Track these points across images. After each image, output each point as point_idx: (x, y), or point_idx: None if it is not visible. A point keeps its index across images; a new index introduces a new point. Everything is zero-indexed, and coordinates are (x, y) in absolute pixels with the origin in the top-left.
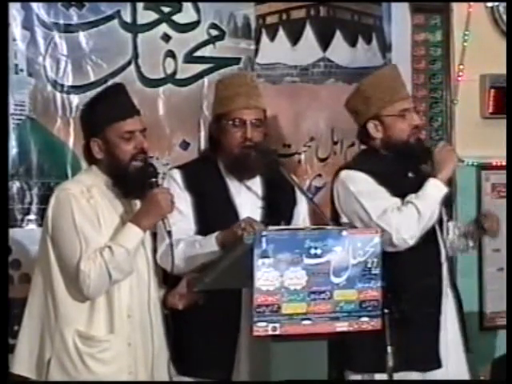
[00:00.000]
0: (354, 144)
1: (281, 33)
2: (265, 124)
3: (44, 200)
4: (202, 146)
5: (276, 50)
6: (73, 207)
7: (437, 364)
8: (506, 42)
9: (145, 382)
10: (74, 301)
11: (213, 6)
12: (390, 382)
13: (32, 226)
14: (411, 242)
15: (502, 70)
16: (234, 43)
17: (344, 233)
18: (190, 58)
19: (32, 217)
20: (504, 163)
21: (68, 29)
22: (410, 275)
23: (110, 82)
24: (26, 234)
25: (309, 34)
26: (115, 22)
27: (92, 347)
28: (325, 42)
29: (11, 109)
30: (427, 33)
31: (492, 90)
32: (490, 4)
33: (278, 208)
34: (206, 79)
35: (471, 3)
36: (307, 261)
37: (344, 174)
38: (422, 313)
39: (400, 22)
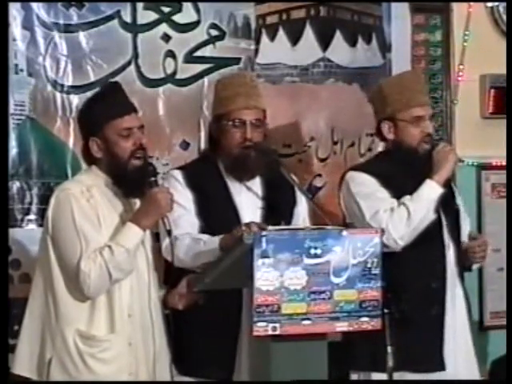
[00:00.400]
0: (353, 144)
1: (281, 33)
2: (265, 124)
3: (44, 200)
4: (202, 146)
5: (276, 50)
6: (73, 207)
7: (440, 366)
8: (506, 42)
9: (145, 382)
10: (75, 300)
11: (213, 6)
12: (390, 382)
13: (32, 226)
14: (401, 243)
15: (502, 70)
16: (234, 43)
17: (344, 233)
18: (190, 58)
19: (32, 217)
20: (504, 163)
21: (68, 29)
22: (410, 275)
23: (107, 82)
24: (26, 234)
25: (309, 34)
26: (115, 21)
27: (93, 347)
28: (325, 42)
29: (11, 109)
30: (427, 33)
31: (492, 90)
32: (489, 4)
33: (278, 208)
34: (206, 79)
35: (471, 3)
36: (307, 261)
37: (349, 174)
38: (423, 313)
39: (400, 22)
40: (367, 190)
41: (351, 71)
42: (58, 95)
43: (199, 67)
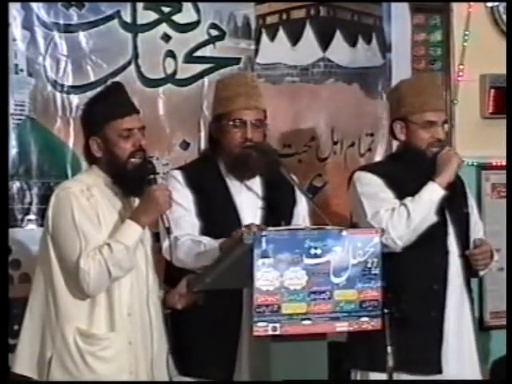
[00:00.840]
0: (353, 144)
1: (281, 33)
2: (265, 124)
3: (44, 200)
4: (202, 146)
5: (276, 50)
6: (73, 206)
7: (437, 369)
8: (506, 42)
9: (145, 382)
10: (75, 299)
11: (213, 6)
12: (390, 381)
13: (32, 226)
14: (400, 243)
15: (502, 70)
16: (234, 43)
17: (344, 233)
18: (190, 58)
19: (32, 217)
20: (504, 163)
21: (68, 29)
22: (410, 276)
23: (109, 82)
24: (26, 234)
25: (309, 34)
26: (115, 21)
27: (93, 345)
28: (325, 42)
29: (11, 109)
30: (427, 33)
31: (492, 90)
32: (490, 4)
33: (278, 208)
34: (206, 79)
35: (471, 3)
36: (307, 261)
37: (356, 174)
38: (421, 315)
39: (400, 22)
40: (371, 189)
41: (351, 71)
42: (58, 95)
43: (199, 67)
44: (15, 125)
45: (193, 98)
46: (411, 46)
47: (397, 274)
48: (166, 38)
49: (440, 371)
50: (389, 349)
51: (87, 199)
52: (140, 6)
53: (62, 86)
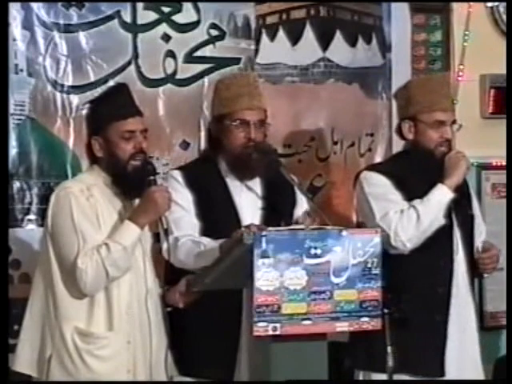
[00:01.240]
0: (353, 144)
1: (281, 33)
2: (266, 124)
3: (44, 200)
4: (202, 146)
5: (276, 50)
6: (72, 205)
7: (439, 372)
8: (506, 42)
9: (145, 382)
10: (73, 298)
11: (213, 6)
12: (390, 381)
13: (32, 226)
14: (409, 245)
15: (502, 69)
16: (234, 43)
17: (344, 233)
18: (190, 58)
19: (32, 217)
20: (504, 163)
21: (68, 29)
22: (414, 278)
23: (110, 82)
24: (26, 234)
25: (309, 34)
26: (115, 21)
27: (90, 344)
28: (325, 41)
29: (11, 109)
30: (427, 33)
31: (492, 90)
32: (490, 4)
33: (278, 208)
34: (206, 79)
35: (471, 3)
36: (307, 261)
37: (363, 174)
38: (425, 317)
39: (400, 22)
40: (380, 190)
41: (351, 71)
42: (58, 95)
43: (199, 67)
44: (15, 125)
45: (193, 97)
46: (411, 46)
47: (401, 275)
48: (166, 37)
49: (443, 374)
50: (389, 349)
51: (87, 199)
52: (140, 5)
53: (62, 85)
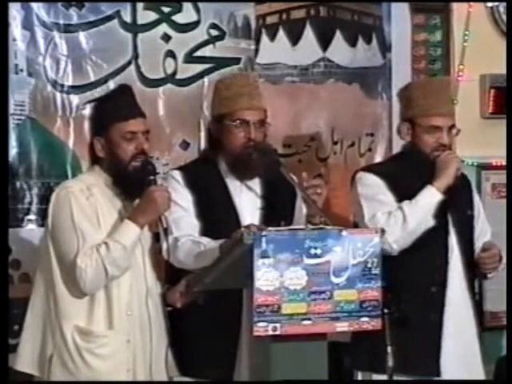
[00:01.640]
0: (353, 144)
1: (281, 33)
2: (266, 124)
3: (44, 200)
4: (202, 146)
5: (276, 50)
6: (72, 204)
7: (435, 372)
8: (506, 42)
9: (145, 382)
10: (73, 297)
11: (213, 6)
12: (389, 381)
13: (32, 226)
14: (395, 247)
15: (502, 69)
16: (234, 43)
17: (344, 233)
18: (190, 58)
19: (32, 217)
20: (504, 163)
21: (68, 29)
22: (408, 278)
23: (110, 82)
24: (26, 234)
25: (309, 34)
26: (115, 21)
27: (90, 342)
28: (325, 41)
29: (11, 109)
30: (427, 33)
31: (492, 90)
32: (490, 4)
33: (277, 208)
34: (206, 79)
35: (471, 3)
36: (307, 261)
37: (359, 175)
38: (419, 317)
39: (400, 22)
40: (371, 191)
41: (351, 71)
42: (58, 95)
43: (199, 67)
44: (15, 125)
45: (193, 98)
46: (411, 46)
47: (396, 274)
48: (166, 37)
49: (438, 374)
50: (389, 349)
51: (87, 198)
52: (140, 5)
53: (62, 85)
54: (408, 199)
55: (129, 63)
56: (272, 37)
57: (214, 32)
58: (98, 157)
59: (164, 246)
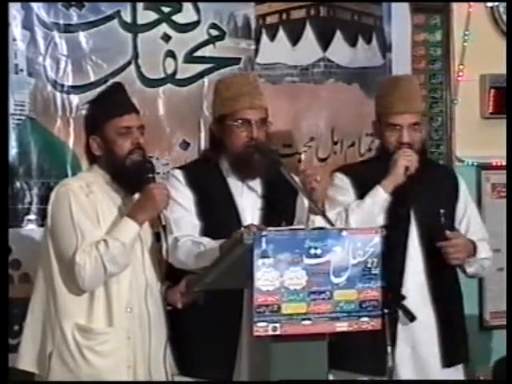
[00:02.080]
0: (354, 144)
1: (281, 33)
2: (268, 123)
3: (44, 200)
4: (202, 146)
5: (276, 50)
6: (71, 201)
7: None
8: (506, 42)
9: (145, 382)
10: (73, 294)
11: (213, 6)
12: (389, 381)
13: (32, 226)
14: None
15: (502, 70)
16: (234, 43)
17: (344, 233)
18: (190, 58)
19: (32, 217)
20: (504, 163)
21: (68, 29)
22: None
23: (110, 82)
24: (26, 234)
25: (309, 34)
26: (115, 21)
27: (91, 340)
28: (325, 42)
29: (11, 109)
30: (427, 33)
31: (492, 90)
32: (490, 4)
33: (278, 208)
34: (206, 79)
35: (471, 3)
36: (307, 261)
37: (333, 175)
38: None
39: (400, 22)
40: (335, 191)
41: (351, 71)
42: (58, 95)
43: (199, 67)
44: (15, 125)
45: (193, 98)
46: (411, 46)
47: None
48: (166, 37)
49: (383, 373)
50: (389, 349)
51: (86, 195)
52: (140, 5)
53: (62, 85)
54: None
55: (129, 63)
56: (272, 37)
57: (214, 32)
58: (95, 156)
59: (164, 246)
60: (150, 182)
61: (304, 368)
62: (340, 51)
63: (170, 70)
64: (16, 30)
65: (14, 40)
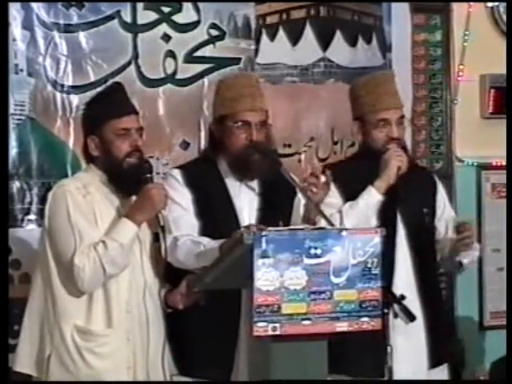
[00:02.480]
0: (354, 144)
1: (281, 33)
2: (268, 125)
3: (44, 200)
4: (202, 146)
5: (276, 50)
6: (68, 203)
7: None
8: (506, 42)
9: (145, 382)
10: (72, 296)
11: (213, 6)
12: (389, 381)
13: (32, 226)
14: None
15: (502, 70)
16: (234, 43)
17: (344, 233)
18: (190, 58)
19: (32, 217)
20: (504, 163)
21: (68, 29)
22: None
23: (109, 82)
24: (26, 234)
25: (309, 34)
26: (115, 21)
27: (90, 341)
28: (325, 42)
29: (11, 109)
30: (427, 33)
31: (492, 90)
32: (490, 4)
33: (277, 208)
34: (205, 79)
35: (471, 3)
36: (307, 261)
37: None
38: None
39: (400, 22)
40: None
41: (351, 71)
42: (58, 95)
43: (199, 67)
44: (15, 125)
45: (193, 98)
46: (411, 46)
47: None
48: (166, 38)
49: (382, 374)
50: (389, 349)
51: (83, 196)
52: (140, 5)
53: (62, 85)
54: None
55: (129, 63)
56: (272, 37)
57: (214, 32)
58: (92, 156)
59: (163, 246)
60: (148, 182)
61: (304, 368)
62: (340, 51)
63: (170, 70)
64: (16, 30)
65: (14, 40)
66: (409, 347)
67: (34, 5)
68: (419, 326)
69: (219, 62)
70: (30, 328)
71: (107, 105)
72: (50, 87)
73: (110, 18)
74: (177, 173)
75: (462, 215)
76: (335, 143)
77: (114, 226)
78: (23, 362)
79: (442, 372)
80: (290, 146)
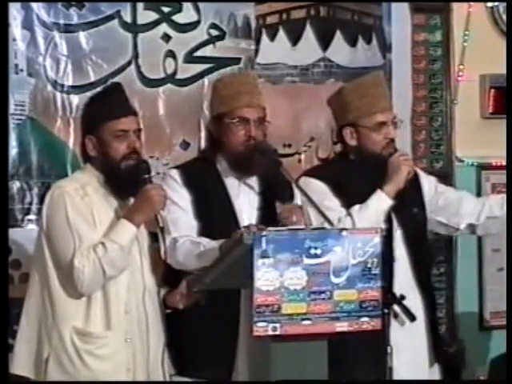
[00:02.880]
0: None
1: (281, 33)
2: (266, 122)
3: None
4: (203, 146)
5: (276, 50)
6: (66, 204)
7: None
8: (506, 42)
9: (145, 382)
10: (71, 298)
11: (213, 6)
12: (389, 381)
13: (32, 226)
14: None
15: (502, 70)
16: (234, 43)
17: (344, 233)
18: (190, 58)
19: (32, 217)
20: (504, 163)
21: (68, 29)
22: None
23: (109, 82)
24: (26, 234)
25: (309, 34)
26: (115, 21)
27: (89, 343)
28: (325, 42)
29: (11, 109)
30: (427, 33)
31: (492, 90)
32: (490, 4)
33: (276, 208)
34: (206, 79)
35: (471, 3)
36: (307, 261)
37: (301, 180)
38: None
39: (400, 22)
40: (317, 197)
41: (351, 71)
42: (58, 95)
43: (199, 67)
44: (15, 125)
45: (193, 98)
46: (411, 46)
47: None
48: (166, 38)
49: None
50: (389, 349)
51: (81, 198)
52: (140, 5)
53: (62, 85)
54: (354, 203)
55: (129, 63)
56: (272, 37)
57: (214, 32)
58: (89, 156)
59: (162, 247)
60: (147, 183)
61: (304, 368)
62: (340, 51)
63: (170, 70)
64: (16, 30)
65: (14, 40)
66: (409, 347)
67: (34, 5)
68: (419, 326)
69: (219, 62)
70: (27, 330)
71: (105, 105)
72: (50, 87)
73: (110, 18)
74: (175, 173)
75: None
76: (335, 143)
77: (113, 227)
78: (20, 364)
79: (434, 371)
80: (290, 145)
